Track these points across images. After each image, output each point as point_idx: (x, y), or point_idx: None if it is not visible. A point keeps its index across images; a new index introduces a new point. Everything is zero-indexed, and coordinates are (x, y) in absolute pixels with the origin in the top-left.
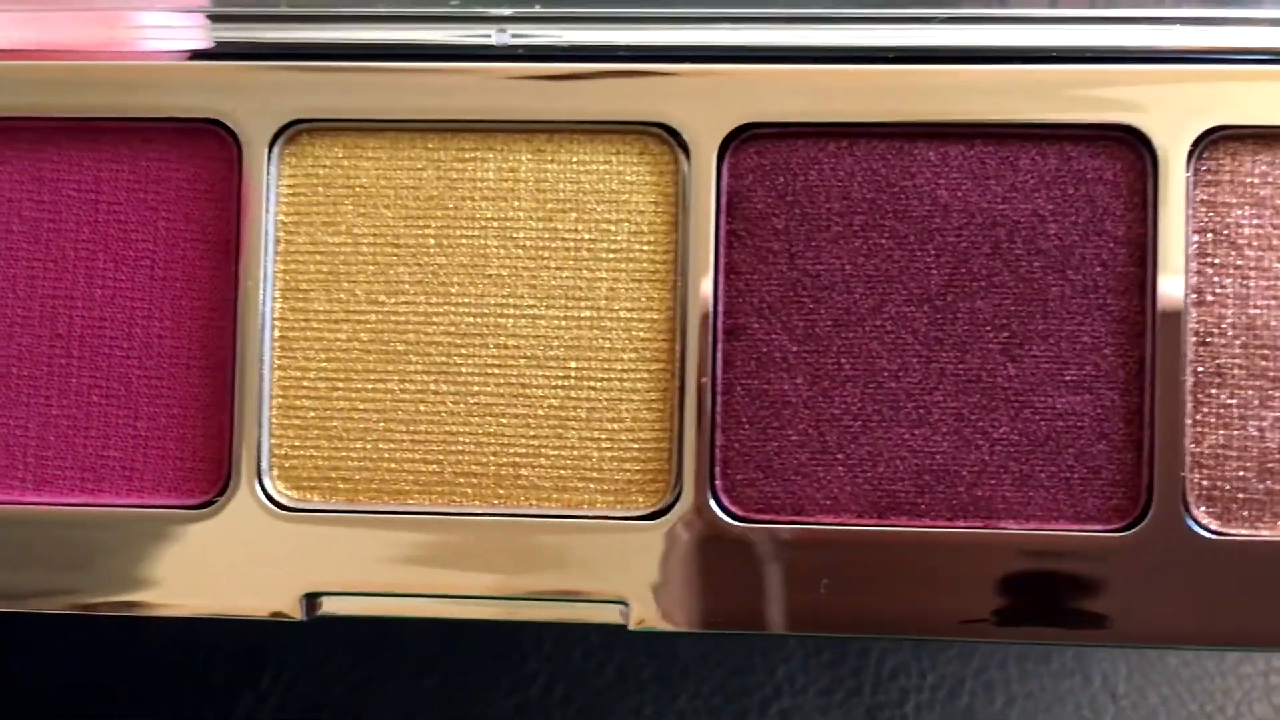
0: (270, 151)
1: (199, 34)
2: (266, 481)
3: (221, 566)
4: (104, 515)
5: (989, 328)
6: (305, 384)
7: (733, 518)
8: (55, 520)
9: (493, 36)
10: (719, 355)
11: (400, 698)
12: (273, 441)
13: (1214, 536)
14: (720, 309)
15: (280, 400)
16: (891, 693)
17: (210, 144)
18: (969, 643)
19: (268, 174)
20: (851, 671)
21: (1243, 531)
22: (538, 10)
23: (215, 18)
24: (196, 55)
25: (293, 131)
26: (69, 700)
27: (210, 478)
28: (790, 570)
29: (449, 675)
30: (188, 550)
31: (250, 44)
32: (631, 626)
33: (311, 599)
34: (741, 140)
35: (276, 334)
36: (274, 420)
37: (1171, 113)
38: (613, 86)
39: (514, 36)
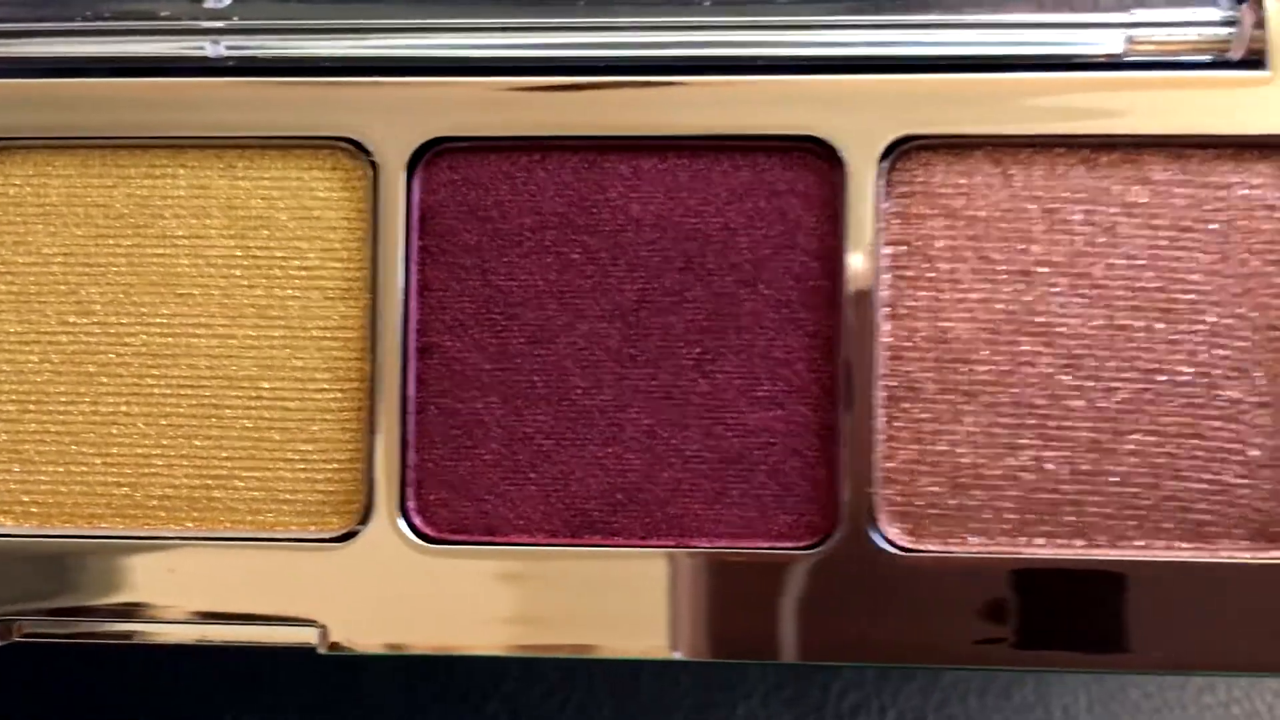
0: None
1: None
2: None
3: None
4: None
5: (681, 343)
6: None
7: (424, 539)
8: None
9: (207, 49)
10: (411, 374)
11: None
12: None
13: (902, 553)
14: (413, 327)
15: None
16: None
17: None
18: (658, 662)
19: None
20: (813, 708)
21: (934, 547)
22: (240, 22)
23: None
24: None
25: None
26: None
27: None
28: (482, 591)
29: (410, 718)
30: None
31: None
32: (322, 650)
33: (5, 624)
34: (433, 155)
35: None
36: None
37: (860, 124)
38: (303, 99)
39: (227, 49)
